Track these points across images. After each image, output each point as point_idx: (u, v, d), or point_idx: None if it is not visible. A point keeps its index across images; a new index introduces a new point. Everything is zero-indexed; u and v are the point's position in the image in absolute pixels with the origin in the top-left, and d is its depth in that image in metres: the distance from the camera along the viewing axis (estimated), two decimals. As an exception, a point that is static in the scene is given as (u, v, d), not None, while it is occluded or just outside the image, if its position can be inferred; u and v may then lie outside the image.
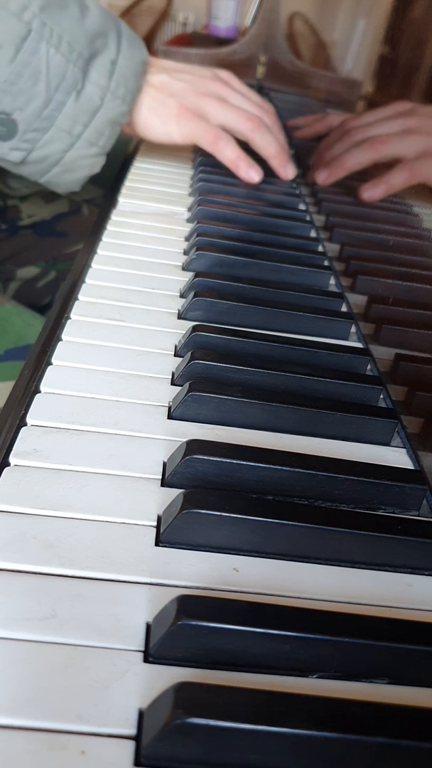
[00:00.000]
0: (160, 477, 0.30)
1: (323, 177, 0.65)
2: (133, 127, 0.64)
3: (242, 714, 0.19)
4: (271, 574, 0.26)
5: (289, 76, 1.10)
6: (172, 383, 0.37)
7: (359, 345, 0.44)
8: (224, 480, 0.29)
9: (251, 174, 0.65)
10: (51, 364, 0.36)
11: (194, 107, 0.64)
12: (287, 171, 0.69)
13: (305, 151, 0.78)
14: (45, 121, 0.54)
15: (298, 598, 0.26)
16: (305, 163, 0.76)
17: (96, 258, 0.49)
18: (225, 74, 0.69)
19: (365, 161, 0.59)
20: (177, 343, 0.40)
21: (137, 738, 0.20)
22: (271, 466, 0.29)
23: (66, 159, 0.57)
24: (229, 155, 0.64)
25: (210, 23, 1.37)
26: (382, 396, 0.38)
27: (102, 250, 0.50)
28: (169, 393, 0.35)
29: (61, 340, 0.38)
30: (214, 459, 0.29)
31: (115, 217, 0.56)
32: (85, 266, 0.47)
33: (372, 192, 0.56)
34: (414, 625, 0.24)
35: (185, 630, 0.22)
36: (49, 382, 0.34)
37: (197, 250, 0.49)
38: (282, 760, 0.19)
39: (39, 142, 0.55)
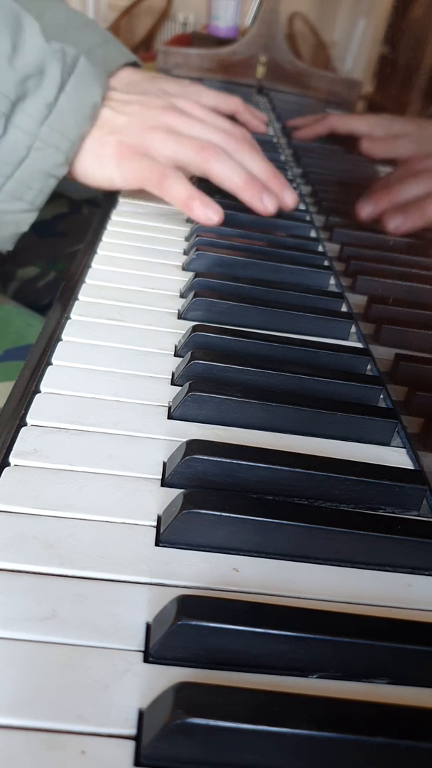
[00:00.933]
0: (160, 477, 0.30)
1: (396, 224, 0.51)
2: (71, 173, 0.53)
3: (242, 714, 0.19)
4: (271, 574, 0.26)
5: (289, 76, 1.10)
6: (172, 383, 0.37)
7: (359, 345, 0.44)
8: (224, 480, 0.29)
9: (209, 214, 0.52)
10: (51, 364, 0.36)
11: (137, 144, 0.53)
12: (264, 203, 0.55)
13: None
14: None
15: (298, 598, 0.26)
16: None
17: (96, 258, 0.49)
18: (185, 103, 0.58)
19: None
20: (177, 343, 0.40)
21: (137, 738, 0.20)
22: (271, 466, 0.29)
23: None
24: (177, 195, 0.51)
25: (210, 23, 1.37)
26: (382, 396, 0.38)
27: (102, 250, 0.50)
28: (169, 393, 0.35)
29: (61, 340, 0.38)
30: (214, 459, 0.29)
31: (115, 217, 0.56)
32: (85, 266, 0.47)
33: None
34: (414, 625, 0.24)
35: (185, 630, 0.22)
36: (49, 382, 0.34)
37: (197, 250, 0.49)
38: (282, 760, 0.19)
39: None
